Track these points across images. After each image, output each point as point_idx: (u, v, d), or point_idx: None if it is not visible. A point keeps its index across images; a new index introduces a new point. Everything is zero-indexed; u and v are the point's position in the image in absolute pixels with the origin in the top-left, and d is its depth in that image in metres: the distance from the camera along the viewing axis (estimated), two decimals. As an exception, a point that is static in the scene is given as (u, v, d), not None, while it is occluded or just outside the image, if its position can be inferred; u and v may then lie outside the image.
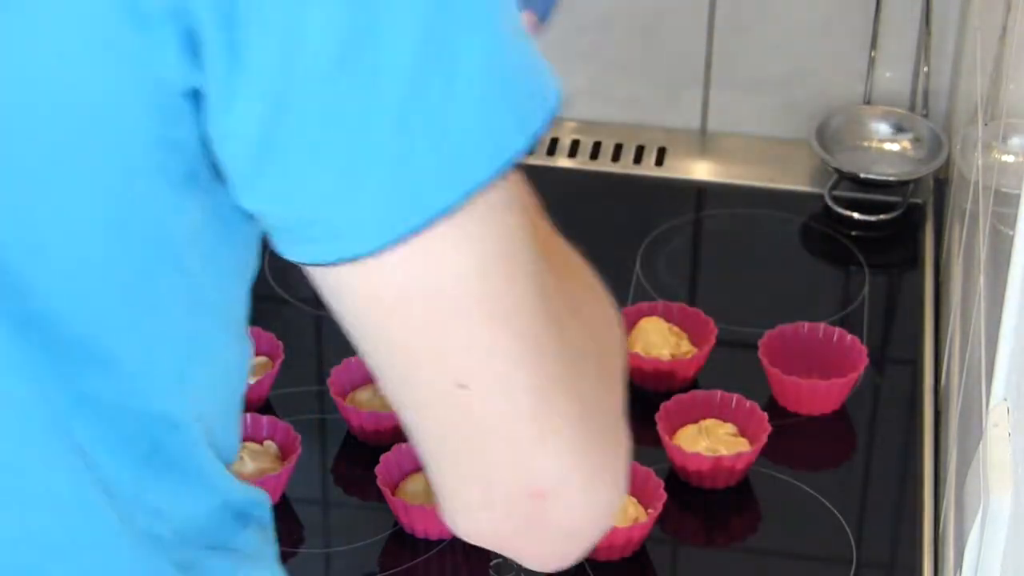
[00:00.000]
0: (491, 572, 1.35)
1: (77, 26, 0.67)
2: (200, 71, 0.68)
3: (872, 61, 1.81)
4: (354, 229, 0.71)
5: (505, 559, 1.35)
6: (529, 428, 0.76)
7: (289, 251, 0.73)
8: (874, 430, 1.52)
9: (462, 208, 0.71)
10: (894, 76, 1.82)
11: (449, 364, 0.75)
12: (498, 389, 0.75)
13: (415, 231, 0.70)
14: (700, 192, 1.81)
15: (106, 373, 0.76)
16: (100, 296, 0.74)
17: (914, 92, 1.82)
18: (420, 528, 1.36)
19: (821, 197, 1.76)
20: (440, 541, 1.36)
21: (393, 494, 1.36)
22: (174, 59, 0.68)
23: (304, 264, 0.73)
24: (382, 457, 1.38)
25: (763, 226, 1.76)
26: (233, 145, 0.70)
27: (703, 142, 1.87)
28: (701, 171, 1.83)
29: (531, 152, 0.73)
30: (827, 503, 1.41)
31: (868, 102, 1.83)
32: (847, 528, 1.39)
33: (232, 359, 0.83)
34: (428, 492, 1.37)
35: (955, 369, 1.41)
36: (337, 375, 1.47)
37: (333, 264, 0.72)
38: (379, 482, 1.36)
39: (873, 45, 1.80)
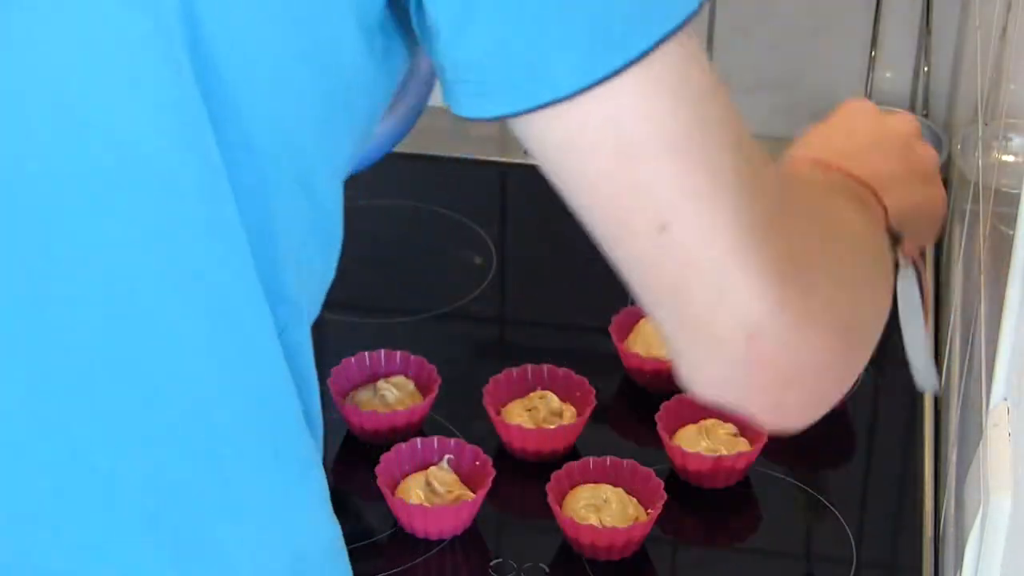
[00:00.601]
0: (491, 572, 1.35)
1: None
2: None
3: (872, 61, 1.81)
4: (554, 72, 0.74)
5: (505, 559, 1.36)
6: (732, 265, 0.78)
7: (481, 106, 0.77)
8: (874, 430, 1.52)
9: (655, 54, 0.75)
10: (894, 76, 1.82)
11: (649, 206, 0.77)
12: (697, 228, 0.78)
13: (612, 74, 0.74)
14: (700, 192, 1.81)
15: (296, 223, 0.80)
16: (297, 128, 0.78)
17: (914, 92, 1.82)
18: (420, 528, 1.36)
19: (821, 197, 1.76)
20: (440, 541, 1.36)
21: (393, 494, 1.36)
22: None
23: (503, 116, 0.77)
24: (382, 457, 1.38)
25: None
26: None
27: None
28: (701, 171, 1.83)
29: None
30: (827, 503, 1.41)
31: (868, 102, 1.83)
32: (847, 528, 1.39)
33: (335, 253, 0.86)
34: (428, 492, 1.37)
35: (955, 369, 1.41)
36: (337, 375, 1.47)
37: (533, 110, 0.75)
38: (379, 482, 1.36)
39: (873, 45, 1.80)
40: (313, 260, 0.84)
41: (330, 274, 0.87)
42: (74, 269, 0.77)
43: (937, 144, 1.77)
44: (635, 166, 0.76)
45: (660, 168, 0.76)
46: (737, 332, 0.80)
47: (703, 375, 0.83)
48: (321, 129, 0.79)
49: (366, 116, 0.82)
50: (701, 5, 0.77)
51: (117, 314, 0.78)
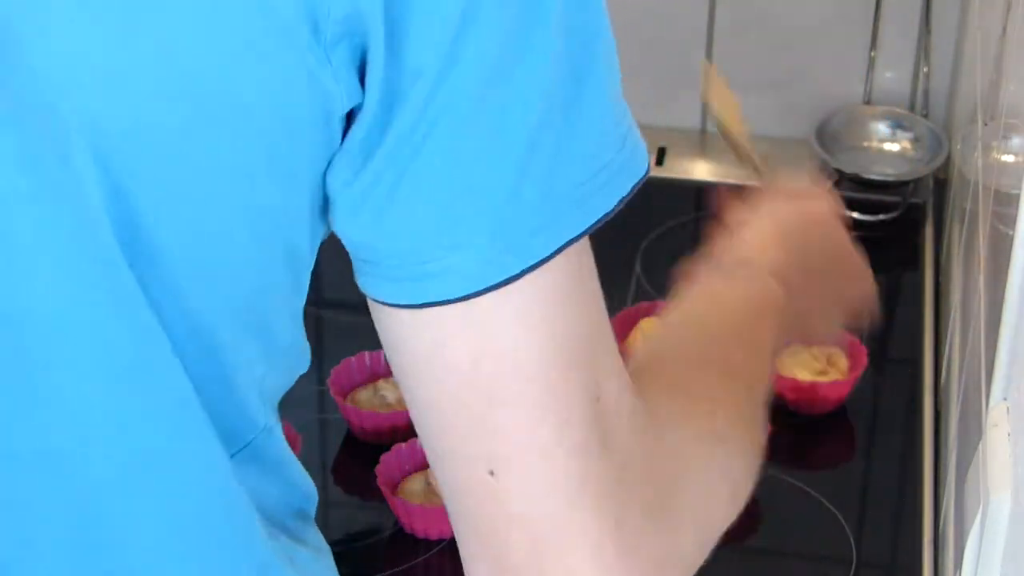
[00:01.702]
0: (491, 572, 1.35)
1: (272, 40, 0.68)
2: (360, 93, 0.69)
3: (872, 61, 1.81)
4: (447, 269, 0.71)
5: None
6: (559, 526, 0.75)
7: (375, 288, 0.73)
8: (874, 430, 1.52)
9: (551, 263, 0.71)
10: (894, 76, 1.82)
11: (485, 445, 0.74)
12: (525, 484, 0.74)
13: (507, 280, 0.71)
14: (700, 192, 1.81)
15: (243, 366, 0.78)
16: (239, 294, 0.75)
17: (914, 92, 1.82)
18: (420, 528, 1.36)
19: (821, 197, 1.76)
20: (440, 541, 1.36)
21: (393, 494, 1.36)
22: (346, 76, 0.69)
23: (386, 303, 0.73)
24: (382, 457, 1.38)
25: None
26: (354, 168, 0.71)
27: (703, 142, 1.87)
28: (701, 171, 1.83)
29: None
30: (827, 503, 1.41)
31: (868, 102, 1.83)
32: (847, 528, 1.39)
33: (301, 365, 0.84)
34: (428, 492, 1.37)
35: (955, 369, 1.41)
36: (337, 375, 1.47)
37: (411, 307, 0.72)
38: (379, 482, 1.36)
39: (873, 45, 1.80)
40: (277, 384, 0.83)
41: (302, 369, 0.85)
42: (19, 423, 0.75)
43: (937, 144, 1.77)
44: (489, 406, 0.73)
45: (514, 414, 0.73)
46: None
47: None
48: (267, 288, 0.77)
49: (306, 265, 0.79)
50: (612, 212, 0.73)
51: (59, 457, 0.76)
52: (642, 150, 0.77)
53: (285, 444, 0.85)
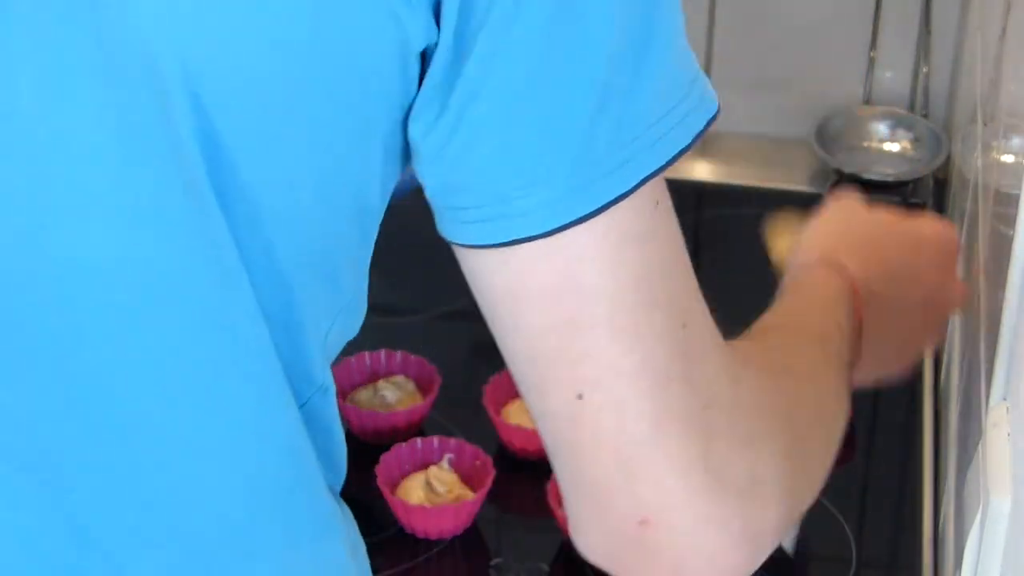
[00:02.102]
0: (491, 572, 1.35)
1: None
2: (435, 31, 0.71)
3: (872, 61, 1.81)
4: (528, 208, 0.73)
5: (505, 559, 1.36)
6: (643, 452, 0.77)
7: (459, 232, 0.75)
8: (874, 430, 1.52)
9: (626, 201, 0.73)
10: (894, 76, 1.82)
11: (572, 370, 0.76)
12: (612, 407, 0.76)
13: (587, 216, 0.72)
14: (700, 192, 1.81)
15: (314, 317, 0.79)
16: (318, 239, 0.77)
17: (914, 92, 1.82)
18: (420, 528, 1.36)
19: (821, 197, 1.76)
20: (440, 541, 1.36)
21: (393, 494, 1.36)
22: (423, 12, 0.70)
23: (472, 246, 0.75)
24: (382, 457, 1.38)
25: (763, 226, 1.76)
26: (434, 112, 0.72)
27: (703, 142, 1.87)
28: (701, 171, 1.83)
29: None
30: (827, 503, 1.41)
31: (868, 102, 1.83)
32: (847, 528, 1.39)
33: (358, 323, 0.86)
34: (428, 492, 1.37)
35: (955, 369, 1.41)
36: (337, 375, 1.47)
37: (496, 246, 0.74)
38: (379, 482, 1.36)
39: (873, 45, 1.80)
40: (335, 342, 0.84)
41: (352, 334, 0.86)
42: (99, 373, 0.76)
43: (937, 144, 1.77)
44: (573, 326, 0.75)
45: (598, 340, 0.75)
46: (631, 515, 0.78)
47: (591, 541, 0.82)
48: (339, 238, 0.79)
49: (376, 215, 0.81)
50: (687, 148, 0.75)
51: (138, 415, 0.77)
52: (711, 91, 0.78)
53: (337, 413, 0.86)
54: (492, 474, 1.36)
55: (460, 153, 0.73)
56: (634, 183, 0.73)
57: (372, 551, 1.37)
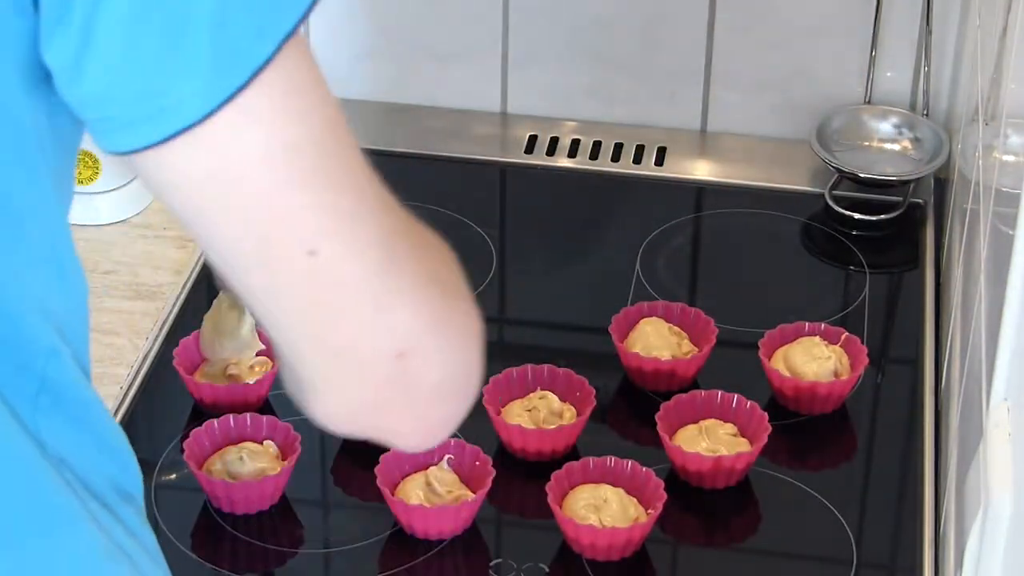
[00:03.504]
0: (491, 572, 1.35)
1: None
2: None
3: (872, 61, 1.81)
4: (179, 98, 0.72)
5: (505, 559, 1.36)
6: (383, 283, 0.78)
7: (119, 141, 0.75)
8: (874, 430, 1.52)
9: (279, 59, 0.73)
10: (894, 76, 1.82)
11: (298, 232, 0.76)
12: (346, 248, 0.77)
13: (238, 90, 0.73)
14: (700, 192, 1.81)
15: None
16: None
17: (914, 92, 1.82)
18: (420, 528, 1.36)
19: (821, 197, 1.76)
20: (440, 541, 1.36)
21: (393, 494, 1.36)
22: None
23: (133, 151, 0.74)
24: (382, 457, 1.38)
25: (763, 226, 1.76)
26: (60, 32, 0.72)
27: (703, 142, 1.87)
28: (701, 171, 1.83)
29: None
30: (827, 503, 1.41)
31: (868, 102, 1.83)
32: (847, 528, 1.39)
33: (78, 284, 0.85)
34: (428, 492, 1.37)
35: (955, 369, 1.41)
36: (337, 375, 1.47)
37: (162, 142, 0.73)
38: (379, 482, 1.36)
39: (873, 45, 1.80)
40: (60, 307, 0.83)
41: (85, 288, 0.86)
42: None
43: (937, 144, 1.77)
44: (280, 190, 0.75)
45: (305, 191, 0.76)
46: (385, 352, 0.79)
47: (343, 402, 0.82)
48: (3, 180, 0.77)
49: (45, 155, 0.79)
50: (313, 4, 0.75)
51: None
52: None
53: (93, 393, 0.85)
54: (492, 474, 1.36)
55: (97, 62, 0.72)
56: (275, 45, 0.73)
57: (372, 551, 1.38)
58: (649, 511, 1.35)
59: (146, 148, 0.74)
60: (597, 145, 1.84)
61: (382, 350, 0.80)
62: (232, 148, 0.74)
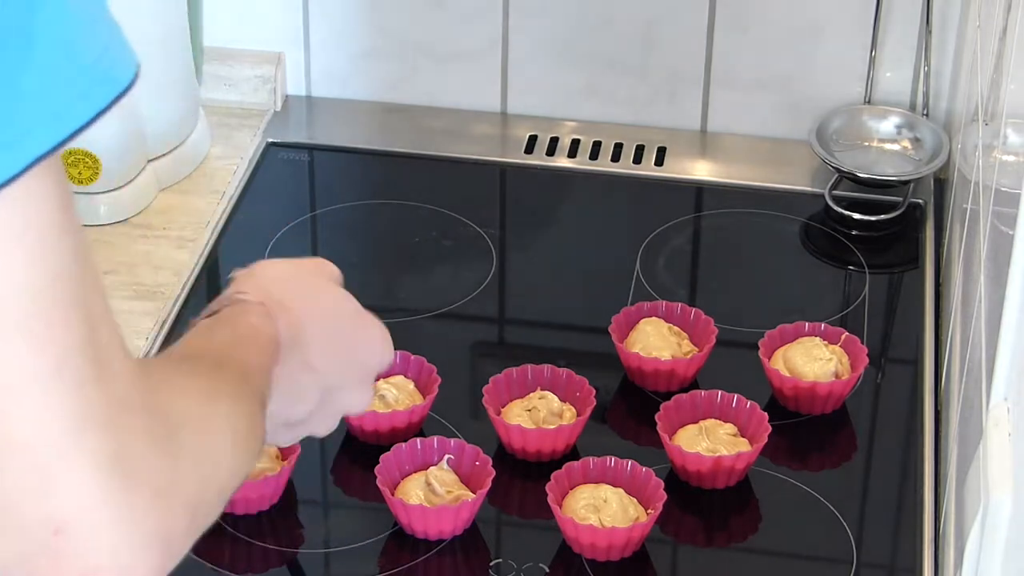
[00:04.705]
0: (491, 572, 1.35)
1: None
2: None
3: (872, 61, 1.81)
4: None
5: (505, 559, 1.36)
6: (59, 454, 0.74)
7: None
8: (874, 430, 1.52)
9: (26, 187, 0.69)
10: (894, 76, 1.82)
11: None
12: (25, 413, 0.73)
13: None
14: (700, 192, 1.81)
15: None
16: None
17: (914, 92, 1.82)
18: (420, 528, 1.36)
19: (821, 197, 1.76)
20: (440, 541, 1.36)
21: (393, 494, 1.36)
22: None
23: None
24: (382, 457, 1.38)
25: (763, 226, 1.76)
26: None
27: (703, 142, 1.87)
28: (701, 171, 1.83)
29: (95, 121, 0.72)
30: (827, 503, 1.41)
31: (868, 102, 1.83)
32: (847, 528, 1.39)
33: None
34: (428, 492, 1.37)
35: (955, 369, 1.41)
36: (337, 375, 1.47)
37: None
38: (379, 482, 1.36)
39: (873, 45, 1.80)
40: None
41: None
42: None
43: (937, 144, 1.77)
44: None
45: (7, 343, 0.71)
46: (46, 524, 0.75)
47: None
48: None
49: None
50: (89, 123, 0.71)
51: None
52: (127, 59, 0.74)
53: None
54: (492, 474, 1.36)
55: None
56: (26, 162, 0.69)
57: (372, 551, 1.38)
58: (649, 511, 1.35)
59: None
60: (597, 145, 1.84)
61: (39, 520, 0.75)
62: None
